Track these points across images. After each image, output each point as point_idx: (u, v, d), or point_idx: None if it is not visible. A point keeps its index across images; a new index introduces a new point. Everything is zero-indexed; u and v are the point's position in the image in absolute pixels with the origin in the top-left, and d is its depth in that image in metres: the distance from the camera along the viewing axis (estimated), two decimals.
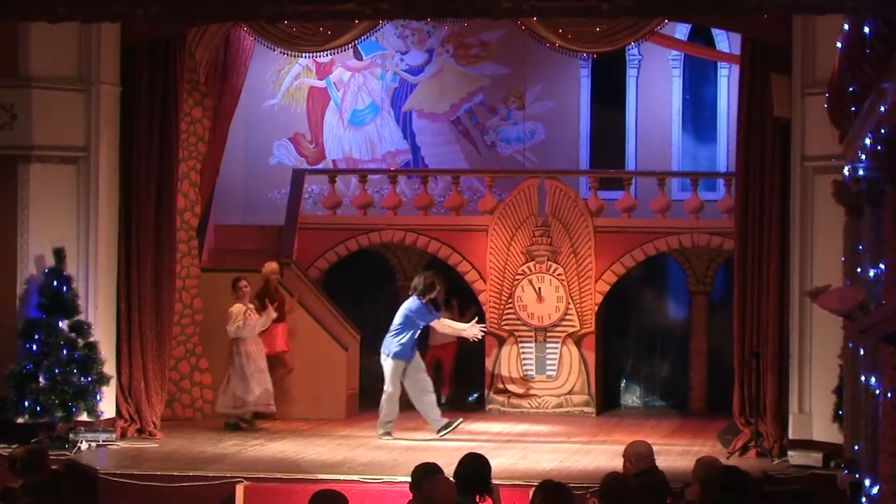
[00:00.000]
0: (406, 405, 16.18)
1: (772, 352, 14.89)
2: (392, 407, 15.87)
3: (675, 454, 14.63)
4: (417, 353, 16.14)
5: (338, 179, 20.23)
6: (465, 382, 19.78)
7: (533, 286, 18.64)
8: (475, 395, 19.73)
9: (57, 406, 14.66)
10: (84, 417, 15.03)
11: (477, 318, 17.06)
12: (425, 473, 8.76)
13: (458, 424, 15.88)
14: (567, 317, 18.58)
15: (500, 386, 18.71)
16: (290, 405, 17.38)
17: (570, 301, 18.60)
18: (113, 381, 15.48)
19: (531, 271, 18.70)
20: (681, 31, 19.89)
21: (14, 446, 11.98)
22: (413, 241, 19.41)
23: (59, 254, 15.03)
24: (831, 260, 13.54)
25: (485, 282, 18.94)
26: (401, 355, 15.81)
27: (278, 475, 13.52)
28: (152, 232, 15.93)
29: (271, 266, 17.58)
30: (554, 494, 8.31)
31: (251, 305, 16.70)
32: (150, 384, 15.87)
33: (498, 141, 21.22)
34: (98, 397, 15.04)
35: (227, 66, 17.66)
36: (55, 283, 14.94)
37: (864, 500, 10.78)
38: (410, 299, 16.08)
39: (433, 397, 16.05)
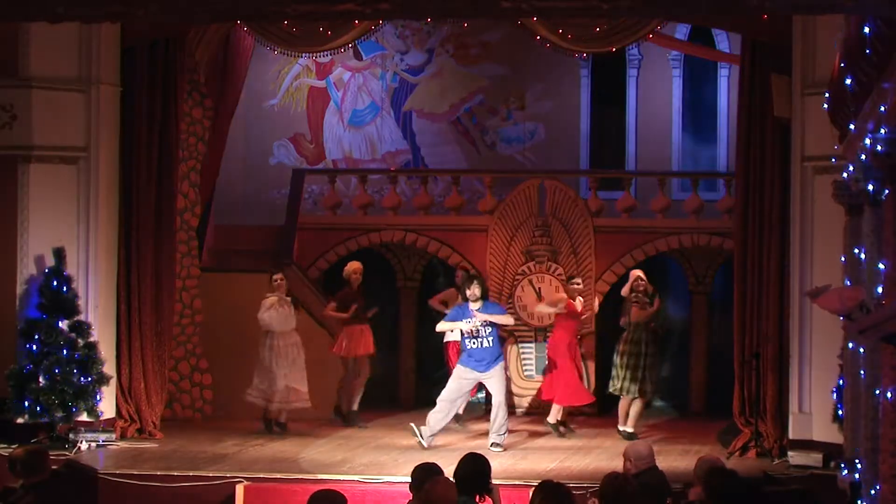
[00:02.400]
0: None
1: (772, 352, 14.90)
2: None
3: (675, 454, 14.63)
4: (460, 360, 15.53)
5: (338, 179, 20.23)
6: None
7: (533, 286, 18.63)
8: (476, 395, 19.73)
9: (57, 406, 14.66)
10: (84, 417, 15.04)
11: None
12: (425, 473, 8.77)
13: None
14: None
15: None
16: None
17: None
18: (113, 381, 15.49)
19: (531, 271, 18.69)
20: (681, 31, 19.90)
21: (14, 446, 12.00)
22: (413, 241, 19.42)
23: (59, 254, 15.04)
24: (831, 260, 13.53)
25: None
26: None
27: (278, 475, 13.53)
28: (152, 232, 15.93)
29: (353, 265, 17.20)
30: (553, 494, 8.32)
31: (288, 299, 16.41)
32: (150, 384, 15.87)
33: (498, 141, 21.22)
34: (98, 397, 15.05)
35: (227, 66, 17.67)
36: (55, 283, 14.94)
37: (863, 500, 10.78)
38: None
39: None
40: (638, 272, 16.49)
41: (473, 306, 15.16)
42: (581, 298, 16.74)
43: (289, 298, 16.42)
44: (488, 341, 15.11)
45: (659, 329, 16.48)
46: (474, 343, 15.12)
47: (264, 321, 16.21)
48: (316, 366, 16.92)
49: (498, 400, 15.22)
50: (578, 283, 16.77)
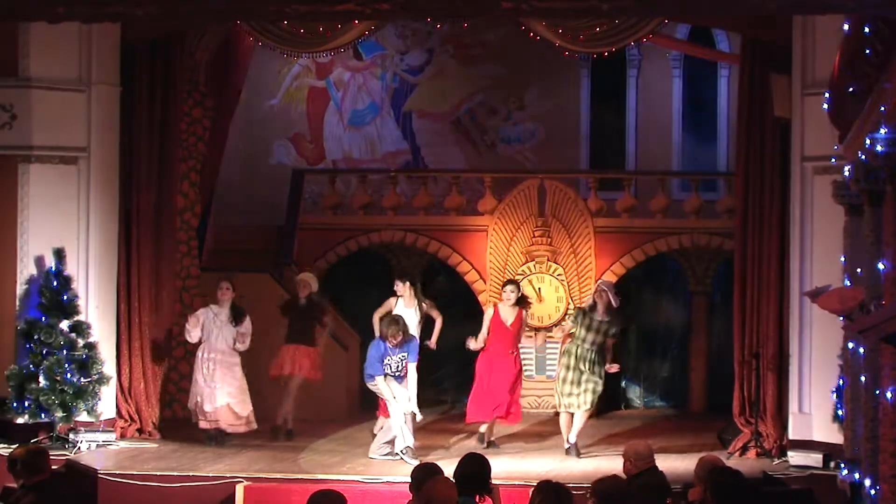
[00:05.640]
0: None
1: (772, 352, 14.89)
2: None
3: (675, 454, 14.63)
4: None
5: (338, 179, 20.22)
6: (465, 384, 19.77)
7: (533, 286, 18.63)
8: None
9: (57, 406, 14.67)
10: (84, 417, 15.04)
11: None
12: (425, 473, 8.76)
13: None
14: (567, 317, 18.56)
15: None
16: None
17: (570, 301, 18.59)
18: (113, 381, 15.49)
19: (531, 271, 18.70)
20: (681, 31, 19.90)
21: (14, 446, 11.97)
22: (413, 241, 19.42)
23: (59, 254, 15.04)
24: (831, 260, 13.54)
25: (485, 282, 18.94)
26: None
27: (278, 475, 13.53)
28: (152, 232, 15.93)
29: (302, 276, 16.18)
30: (553, 494, 8.31)
31: (223, 310, 15.26)
32: (150, 384, 15.87)
33: (498, 141, 21.23)
34: (98, 397, 15.05)
35: (228, 66, 17.67)
36: (55, 283, 14.95)
37: (864, 500, 10.78)
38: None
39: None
40: (604, 281, 15.49)
41: (393, 344, 14.41)
42: (509, 308, 15.30)
43: (225, 310, 15.30)
44: (403, 368, 14.51)
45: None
46: (391, 371, 14.44)
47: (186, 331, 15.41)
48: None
49: (404, 405, 14.47)
50: (510, 291, 15.37)
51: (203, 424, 15.39)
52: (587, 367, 14.92)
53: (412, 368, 14.73)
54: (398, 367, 14.54)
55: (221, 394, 15.29)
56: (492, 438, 15.56)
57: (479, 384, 15.41)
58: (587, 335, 14.94)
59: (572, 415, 15.07)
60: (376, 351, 14.57)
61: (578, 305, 15.35)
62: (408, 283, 15.79)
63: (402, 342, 14.49)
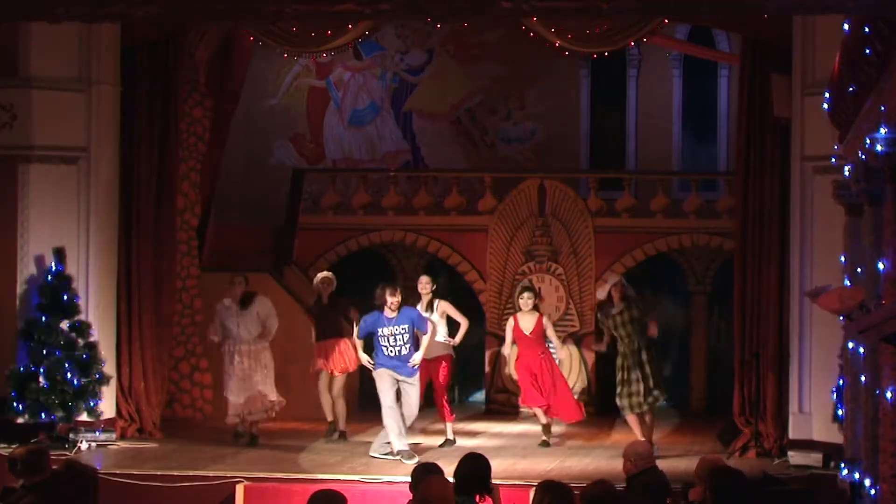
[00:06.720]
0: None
1: (772, 352, 14.89)
2: None
3: (675, 454, 14.62)
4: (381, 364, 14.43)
5: (338, 179, 20.22)
6: (465, 382, 19.77)
7: (533, 286, 18.61)
8: (476, 395, 19.74)
9: (57, 406, 14.67)
10: (84, 417, 15.04)
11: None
12: (425, 473, 8.76)
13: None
14: (567, 317, 18.58)
15: (500, 386, 18.69)
16: (291, 405, 17.29)
17: (570, 301, 18.59)
18: (113, 381, 15.49)
19: (531, 271, 18.70)
20: (681, 31, 19.90)
21: (14, 446, 11.98)
22: (413, 241, 19.42)
23: (59, 254, 15.04)
24: (831, 260, 13.53)
25: (485, 282, 18.94)
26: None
27: (278, 475, 13.52)
28: (152, 232, 15.94)
29: (321, 275, 15.94)
30: (559, 493, 8.28)
31: (229, 305, 15.23)
32: (150, 384, 15.87)
33: (498, 141, 21.23)
34: (98, 397, 15.05)
35: (227, 66, 17.68)
36: (55, 283, 14.95)
37: (864, 500, 10.78)
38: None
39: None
40: (613, 281, 15.60)
41: (390, 314, 14.21)
42: (528, 315, 15.39)
43: (230, 305, 15.22)
44: (406, 349, 14.21)
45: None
46: (390, 351, 14.21)
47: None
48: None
49: (413, 412, 14.33)
50: (527, 297, 15.47)
51: (232, 419, 15.33)
52: (633, 361, 14.87)
53: (425, 340, 14.37)
54: (398, 344, 14.16)
55: (250, 383, 15.18)
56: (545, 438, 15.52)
57: (522, 382, 15.51)
58: (618, 331, 14.93)
59: (638, 416, 14.90)
60: (370, 317, 14.35)
61: (598, 307, 15.60)
62: (429, 280, 15.64)
63: (398, 310, 14.19)
